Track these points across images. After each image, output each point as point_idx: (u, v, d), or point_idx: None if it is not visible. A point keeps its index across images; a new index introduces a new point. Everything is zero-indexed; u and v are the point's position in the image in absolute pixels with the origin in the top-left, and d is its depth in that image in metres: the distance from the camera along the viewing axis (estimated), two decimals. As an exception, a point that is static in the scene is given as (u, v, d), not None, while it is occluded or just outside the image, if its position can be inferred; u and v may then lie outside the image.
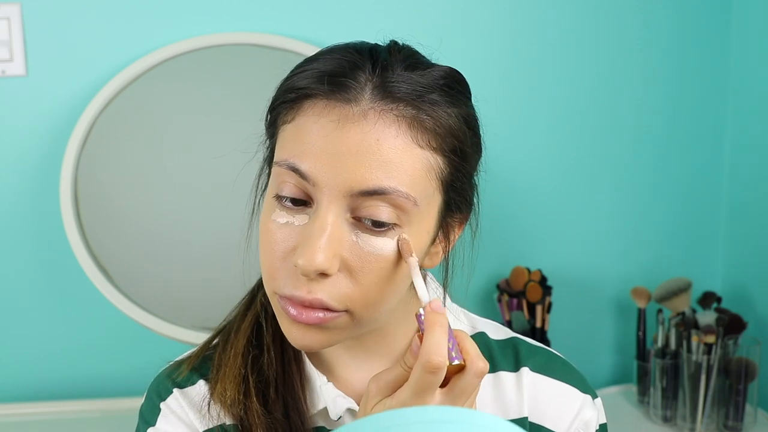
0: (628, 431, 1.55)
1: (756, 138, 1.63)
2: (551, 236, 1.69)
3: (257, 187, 0.72)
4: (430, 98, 0.62)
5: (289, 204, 0.62)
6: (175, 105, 1.53)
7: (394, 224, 0.61)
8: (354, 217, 0.61)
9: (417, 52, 0.67)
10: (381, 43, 0.67)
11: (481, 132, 0.69)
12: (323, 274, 0.61)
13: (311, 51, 1.50)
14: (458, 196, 0.67)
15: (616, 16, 1.63)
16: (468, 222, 0.71)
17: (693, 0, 1.64)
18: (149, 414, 0.76)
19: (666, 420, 1.55)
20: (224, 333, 0.76)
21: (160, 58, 1.50)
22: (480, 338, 0.77)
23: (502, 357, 0.76)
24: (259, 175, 0.72)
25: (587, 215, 1.69)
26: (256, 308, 0.75)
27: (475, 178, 0.69)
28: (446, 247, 0.69)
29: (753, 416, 1.50)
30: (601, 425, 0.77)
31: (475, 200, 0.70)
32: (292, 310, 0.62)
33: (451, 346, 0.58)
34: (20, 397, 1.60)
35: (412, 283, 0.63)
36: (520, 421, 0.74)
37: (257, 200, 0.72)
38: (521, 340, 0.78)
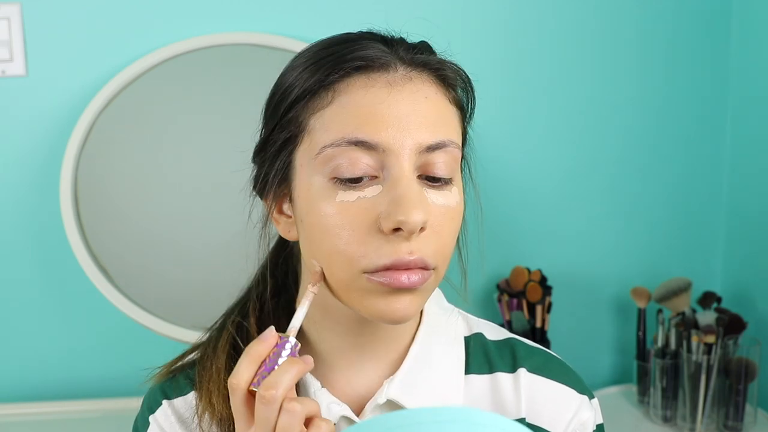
0: (628, 431, 1.55)
1: (756, 138, 1.63)
2: (551, 236, 1.69)
3: (263, 193, 0.70)
4: (439, 60, 0.68)
5: (348, 183, 0.62)
6: (175, 105, 1.53)
7: (450, 178, 0.65)
8: (419, 177, 0.64)
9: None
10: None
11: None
12: (421, 230, 0.62)
13: (311, 51, 1.50)
14: (463, 145, 0.72)
15: (615, 17, 1.63)
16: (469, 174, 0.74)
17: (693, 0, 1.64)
18: (141, 425, 0.76)
19: (666, 420, 1.55)
20: (201, 349, 0.76)
21: (160, 58, 1.50)
22: (477, 339, 0.77)
23: (499, 358, 0.76)
24: (265, 177, 0.69)
25: (587, 215, 1.69)
26: (229, 329, 0.75)
27: (467, 132, 0.73)
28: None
29: (753, 416, 1.50)
30: (597, 426, 0.77)
31: (467, 158, 0.74)
32: (400, 278, 0.62)
33: (261, 374, 0.62)
34: (21, 397, 1.60)
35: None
36: (518, 422, 0.73)
37: (272, 198, 0.70)
38: (518, 340, 0.78)
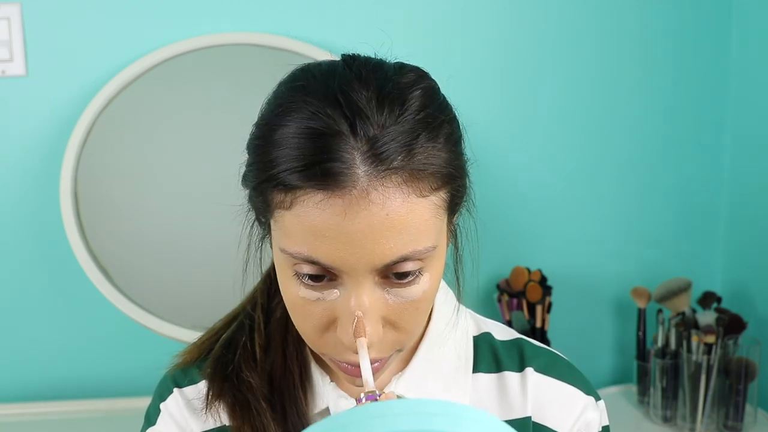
0: (628, 431, 1.55)
1: (756, 138, 1.63)
2: (551, 236, 1.69)
3: (251, 225, 0.70)
4: (419, 145, 0.59)
5: (310, 281, 0.62)
6: (175, 105, 1.53)
7: (419, 270, 0.62)
8: (381, 278, 0.61)
9: (379, 67, 0.63)
10: (334, 62, 0.64)
11: (456, 113, 0.67)
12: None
13: (311, 51, 1.50)
14: (457, 205, 0.67)
15: (616, 17, 1.63)
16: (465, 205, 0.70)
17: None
18: (153, 414, 0.76)
19: (666, 420, 1.55)
20: (222, 340, 0.76)
21: (160, 58, 1.50)
22: (486, 338, 0.78)
23: (508, 357, 0.77)
24: (252, 224, 0.70)
25: (587, 215, 1.70)
26: (244, 321, 0.75)
27: (464, 179, 0.67)
28: (455, 242, 0.70)
29: (753, 416, 1.50)
30: (603, 427, 0.77)
31: (467, 185, 0.68)
32: (349, 370, 0.64)
33: None
34: (21, 397, 1.60)
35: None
36: (524, 421, 0.74)
37: (253, 238, 0.71)
38: (526, 341, 0.79)
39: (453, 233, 0.70)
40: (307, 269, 0.61)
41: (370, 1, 1.57)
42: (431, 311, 0.76)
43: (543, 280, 1.61)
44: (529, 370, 0.75)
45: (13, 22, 1.50)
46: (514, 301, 1.60)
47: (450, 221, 0.67)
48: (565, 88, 1.64)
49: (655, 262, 1.72)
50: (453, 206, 0.65)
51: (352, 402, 0.71)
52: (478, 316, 0.81)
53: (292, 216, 0.60)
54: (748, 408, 1.49)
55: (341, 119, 0.58)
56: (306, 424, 0.71)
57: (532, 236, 1.69)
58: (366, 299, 0.60)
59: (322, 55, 1.46)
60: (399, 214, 0.59)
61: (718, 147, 1.70)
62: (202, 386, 0.75)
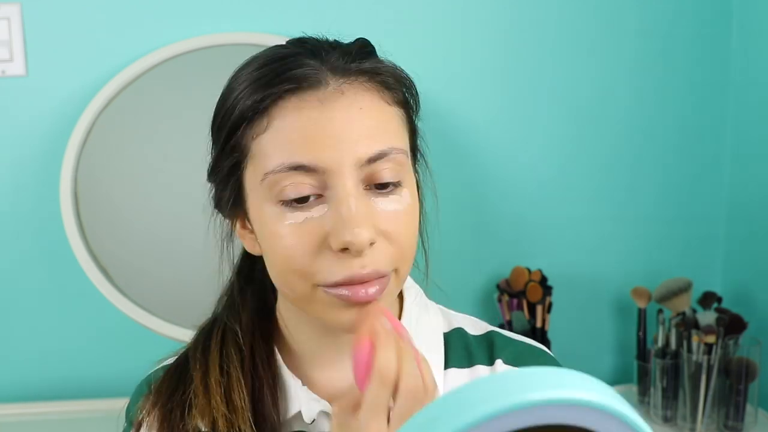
0: (629, 431, 1.55)
1: (756, 138, 1.63)
2: (551, 236, 1.69)
3: (224, 212, 0.73)
4: (373, 60, 0.67)
5: (296, 204, 0.63)
6: (175, 105, 1.53)
7: (398, 181, 0.65)
8: (365, 187, 0.63)
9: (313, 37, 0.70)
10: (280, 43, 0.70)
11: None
12: (372, 243, 0.63)
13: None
14: (414, 144, 0.71)
15: (615, 15, 1.63)
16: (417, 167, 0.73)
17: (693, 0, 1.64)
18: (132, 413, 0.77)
19: (666, 420, 1.55)
20: (196, 356, 0.76)
21: (160, 58, 1.50)
22: (457, 334, 0.78)
23: (479, 351, 0.77)
24: (220, 199, 0.72)
25: (587, 215, 1.69)
26: (218, 334, 0.76)
27: (415, 117, 0.71)
28: (418, 194, 0.71)
29: (753, 416, 1.50)
30: None
31: (419, 144, 0.72)
32: (352, 292, 0.63)
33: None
34: (20, 397, 1.60)
35: None
36: None
37: (228, 222, 0.73)
38: (497, 333, 0.79)
39: (417, 185, 0.71)
40: (291, 190, 0.62)
41: (370, 2, 1.57)
42: (401, 310, 0.76)
43: (543, 280, 1.61)
44: (499, 362, 0.76)
45: (13, 22, 1.50)
46: (514, 301, 1.60)
47: (413, 160, 0.70)
48: (566, 88, 1.64)
49: (655, 262, 1.72)
50: (413, 138, 0.70)
51: (323, 403, 0.71)
52: (448, 311, 0.81)
53: (270, 133, 0.63)
54: (749, 408, 1.49)
55: (300, 49, 0.66)
56: (277, 429, 0.70)
57: (532, 236, 1.69)
58: (354, 201, 0.62)
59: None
60: (372, 110, 0.64)
61: (719, 147, 1.70)
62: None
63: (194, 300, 1.51)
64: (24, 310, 1.59)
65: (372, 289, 0.63)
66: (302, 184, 0.62)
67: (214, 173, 0.71)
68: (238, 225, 0.72)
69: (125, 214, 1.53)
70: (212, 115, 0.70)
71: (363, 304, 0.63)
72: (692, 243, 1.73)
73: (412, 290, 0.78)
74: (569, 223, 1.69)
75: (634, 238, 1.71)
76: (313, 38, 0.68)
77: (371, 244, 0.62)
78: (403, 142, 0.66)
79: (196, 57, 1.51)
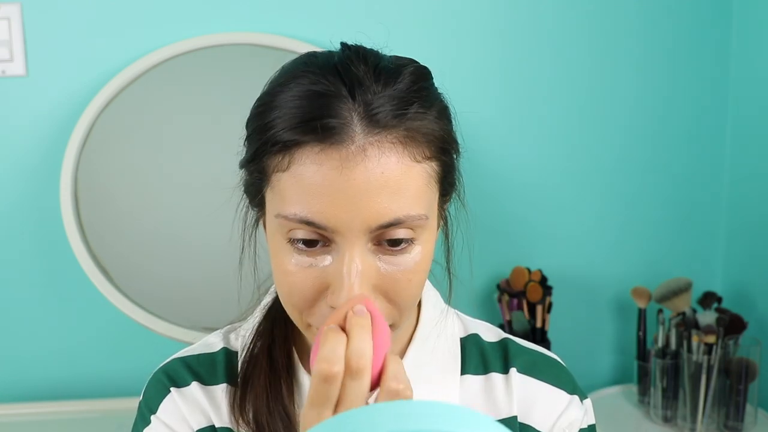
0: (629, 431, 1.55)
1: (756, 137, 1.63)
2: (551, 236, 1.69)
3: (245, 211, 0.72)
4: (413, 111, 0.62)
5: (303, 246, 0.63)
6: (175, 105, 1.53)
7: (411, 239, 0.63)
8: (374, 245, 0.62)
9: (375, 53, 0.66)
10: (333, 50, 0.67)
11: (449, 104, 0.69)
12: None
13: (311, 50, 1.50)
14: (449, 185, 0.69)
15: (615, 15, 1.63)
16: (456, 193, 0.71)
17: None
18: (154, 397, 0.76)
19: (666, 420, 1.55)
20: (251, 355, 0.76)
21: (160, 58, 1.50)
22: (473, 340, 0.78)
23: (494, 358, 0.77)
24: (250, 185, 0.70)
25: (587, 215, 1.69)
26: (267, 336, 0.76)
27: (455, 159, 0.69)
28: (446, 228, 0.71)
29: (753, 416, 1.50)
30: (589, 426, 0.77)
31: (457, 178, 0.70)
32: None
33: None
34: (20, 397, 1.60)
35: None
36: (510, 420, 0.75)
37: (248, 223, 0.72)
38: (512, 341, 0.79)
39: (444, 221, 0.71)
40: (301, 233, 0.62)
41: (369, 1, 1.57)
42: (419, 315, 0.76)
43: (543, 280, 1.61)
44: (513, 371, 0.76)
45: (13, 22, 1.50)
46: (515, 301, 1.60)
47: (442, 204, 0.68)
48: (566, 88, 1.64)
49: (655, 262, 1.72)
50: (445, 185, 0.67)
51: None
52: (465, 317, 0.81)
53: (289, 176, 0.62)
54: (749, 408, 1.49)
55: (340, 84, 0.62)
56: (294, 427, 0.71)
57: (533, 236, 1.69)
58: (358, 261, 0.61)
59: (322, 55, 1.46)
60: (394, 173, 0.61)
61: (719, 147, 1.70)
62: (194, 387, 0.75)
63: (194, 300, 1.52)
64: (24, 310, 1.59)
65: None
66: (312, 234, 0.62)
67: (246, 166, 0.69)
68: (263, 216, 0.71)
69: (125, 214, 1.53)
70: (251, 109, 0.67)
71: None
72: (692, 243, 1.73)
73: (431, 294, 0.78)
74: (569, 224, 1.69)
75: (634, 238, 1.71)
76: (364, 57, 0.64)
77: None
78: (424, 204, 0.63)
79: (196, 57, 1.51)
